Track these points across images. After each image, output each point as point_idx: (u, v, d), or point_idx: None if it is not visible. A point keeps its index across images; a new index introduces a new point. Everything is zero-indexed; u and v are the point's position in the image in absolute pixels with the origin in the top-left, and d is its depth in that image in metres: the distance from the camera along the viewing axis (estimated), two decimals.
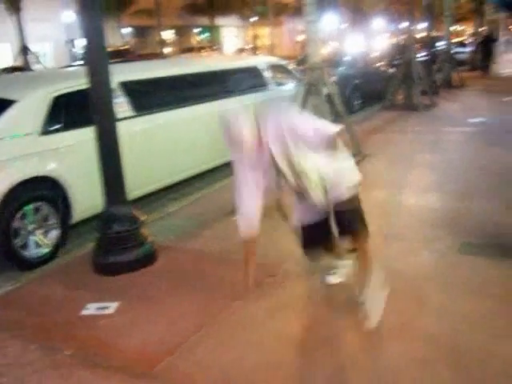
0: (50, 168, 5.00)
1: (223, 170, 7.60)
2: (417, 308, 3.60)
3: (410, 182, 6.61)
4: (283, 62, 10.18)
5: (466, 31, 49.60)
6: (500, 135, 9.07)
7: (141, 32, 37.19)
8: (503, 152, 7.65)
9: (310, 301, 3.81)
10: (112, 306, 3.79)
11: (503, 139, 8.55)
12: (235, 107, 7.91)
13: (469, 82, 18.30)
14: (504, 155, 7.44)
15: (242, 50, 38.04)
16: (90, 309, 3.78)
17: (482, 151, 8.11)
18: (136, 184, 5.79)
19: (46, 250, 4.92)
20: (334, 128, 3.26)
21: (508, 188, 5.68)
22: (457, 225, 5.01)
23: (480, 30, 27.57)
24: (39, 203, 4.87)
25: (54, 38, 30.53)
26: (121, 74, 6.01)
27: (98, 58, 4.22)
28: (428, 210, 5.53)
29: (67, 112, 5.31)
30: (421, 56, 17.53)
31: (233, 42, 44.73)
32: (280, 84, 9.35)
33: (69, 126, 5.29)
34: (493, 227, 4.90)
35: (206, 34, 43.69)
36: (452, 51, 18.69)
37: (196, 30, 43.60)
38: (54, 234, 5.00)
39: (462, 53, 25.86)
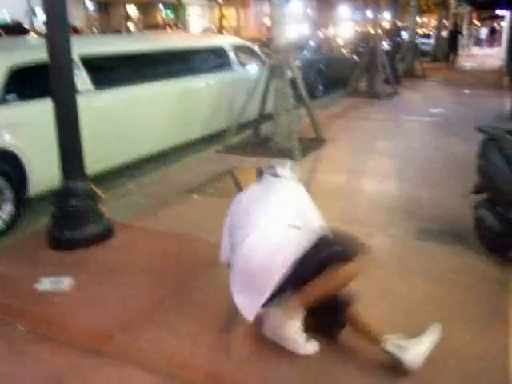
0: (5, 140, 4.87)
1: (184, 148, 7.58)
2: (370, 291, 3.67)
3: (369, 169, 6.71)
4: (249, 44, 10.13)
5: (430, 23, 50.27)
6: (459, 126, 9.27)
7: (104, 6, 36.37)
8: (461, 142, 7.83)
9: None
10: (67, 282, 3.74)
11: (461, 130, 8.73)
12: (199, 86, 7.91)
13: (431, 73, 18.61)
14: (461, 145, 7.61)
15: (207, 30, 37.66)
16: (45, 284, 3.72)
17: (440, 141, 8.29)
18: (95, 160, 5.71)
19: (0, 225, 4.81)
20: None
21: (464, 177, 5.81)
22: (413, 211, 5.13)
23: (444, 22, 28.00)
24: None
25: (14, 6, 29.53)
26: (82, 47, 5.87)
27: (58, 29, 4.10)
28: (385, 196, 5.63)
29: (25, 83, 5.17)
30: (385, 45, 17.74)
31: (198, 21, 44.20)
32: (245, 65, 9.32)
33: (27, 97, 5.15)
34: (448, 214, 5.03)
35: (171, 12, 43.03)
36: (416, 42, 18.93)
37: (161, 7, 42.89)
38: (9, 208, 4.88)
39: (426, 44, 26.28)
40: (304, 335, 2.94)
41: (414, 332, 3.15)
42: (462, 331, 3.19)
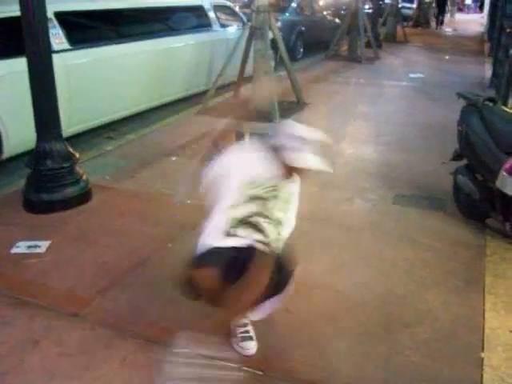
0: None
1: (163, 109, 7.47)
2: (348, 255, 3.70)
3: (349, 133, 6.69)
4: (229, 4, 9.93)
5: None
6: (438, 92, 9.27)
7: None
8: (440, 108, 7.84)
9: None
10: (43, 245, 3.69)
11: (441, 96, 8.74)
12: (178, 46, 7.75)
13: (412, 38, 18.52)
14: (441, 111, 7.62)
15: None
16: (21, 247, 3.67)
17: (420, 106, 8.29)
18: (72, 120, 5.61)
19: None
20: None
21: (441, 142, 5.84)
22: (391, 176, 5.14)
23: None
24: None
25: None
26: (57, 3, 5.68)
27: None
28: (364, 160, 5.63)
29: None
30: (367, 8, 17.56)
31: None
32: (225, 26, 9.15)
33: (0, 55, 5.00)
34: (427, 180, 5.05)
35: None
36: (398, 6, 18.74)
37: None
38: None
39: (408, 8, 26.07)
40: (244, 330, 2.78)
41: (389, 294, 3.21)
42: (437, 295, 3.24)
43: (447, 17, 31.47)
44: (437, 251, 3.78)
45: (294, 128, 2.59)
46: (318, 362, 2.66)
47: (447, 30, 24.77)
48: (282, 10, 13.09)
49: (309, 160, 2.46)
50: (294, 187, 2.69)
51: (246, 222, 2.57)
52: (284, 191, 2.62)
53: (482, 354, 2.74)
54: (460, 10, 43.50)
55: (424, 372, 2.61)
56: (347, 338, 2.85)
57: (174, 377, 2.53)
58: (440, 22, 25.35)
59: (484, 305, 3.16)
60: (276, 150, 2.54)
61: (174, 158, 5.54)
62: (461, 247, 3.84)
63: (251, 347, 2.72)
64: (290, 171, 2.58)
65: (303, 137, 2.49)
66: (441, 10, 25.50)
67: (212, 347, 2.68)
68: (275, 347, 2.76)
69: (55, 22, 5.55)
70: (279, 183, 2.59)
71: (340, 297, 3.20)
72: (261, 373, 2.57)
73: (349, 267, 3.54)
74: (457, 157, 4.38)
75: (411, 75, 11.08)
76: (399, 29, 18.09)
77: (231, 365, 2.61)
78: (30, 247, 3.67)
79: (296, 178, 2.65)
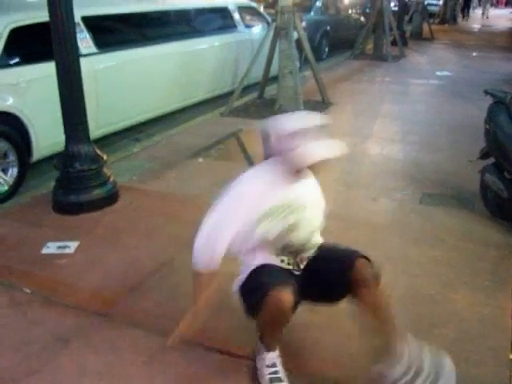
0: (9, 103, 4.83)
1: (189, 111, 7.53)
2: (374, 255, 3.67)
3: (374, 132, 6.66)
4: (253, 4, 9.96)
5: None
6: (466, 89, 9.16)
7: None
8: (468, 106, 7.75)
9: None
10: (72, 246, 3.76)
11: (469, 93, 8.64)
12: (204, 48, 7.80)
13: (439, 35, 18.30)
14: (468, 109, 7.53)
15: None
16: (51, 248, 3.75)
17: (446, 104, 8.20)
18: (99, 123, 5.69)
19: (4, 188, 4.81)
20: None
21: (470, 141, 5.77)
22: (418, 175, 5.10)
23: None
24: None
25: None
26: (84, 7, 5.77)
27: None
28: (391, 159, 5.60)
29: (27, 45, 5.11)
30: (392, 6, 17.40)
31: None
32: (250, 26, 9.18)
33: (29, 59, 5.09)
34: (454, 179, 5.00)
35: None
36: (424, 3, 18.56)
37: None
38: (14, 171, 4.87)
39: (435, 5, 25.78)
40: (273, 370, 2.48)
41: (416, 294, 3.18)
42: (465, 295, 3.21)
43: (479, 14, 31.11)
44: (464, 251, 3.74)
45: (284, 124, 2.34)
46: (342, 361, 2.66)
47: (475, 25, 24.41)
48: (307, 9, 13.07)
49: (315, 152, 2.26)
50: (307, 187, 2.52)
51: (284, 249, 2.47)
52: (298, 198, 2.43)
53: (511, 356, 2.71)
54: (492, 4, 42.79)
55: None
56: (373, 338, 2.84)
57: None
58: (465, 16, 25.31)
59: None
60: (278, 160, 2.35)
61: (200, 160, 5.58)
62: (489, 247, 3.79)
63: None
64: (300, 172, 2.38)
65: (299, 129, 2.27)
66: (467, 3, 25.45)
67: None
68: (299, 348, 2.77)
69: (82, 26, 5.64)
70: (291, 197, 2.39)
71: None
72: (285, 372, 2.58)
73: None
74: (484, 155, 4.33)
75: (438, 73, 10.97)
76: (425, 26, 17.91)
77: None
78: (59, 248, 3.74)
79: (307, 174, 2.44)
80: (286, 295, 2.20)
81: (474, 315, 3.03)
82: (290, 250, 2.49)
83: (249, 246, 2.45)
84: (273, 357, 2.48)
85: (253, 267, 2.42)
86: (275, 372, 2.46)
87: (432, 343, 2.77)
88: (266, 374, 2.46)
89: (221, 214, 2.39)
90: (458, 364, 2.62)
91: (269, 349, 2.48)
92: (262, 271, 2.39)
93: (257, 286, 2.31)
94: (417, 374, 2.29)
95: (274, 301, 2.19)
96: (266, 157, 2.46)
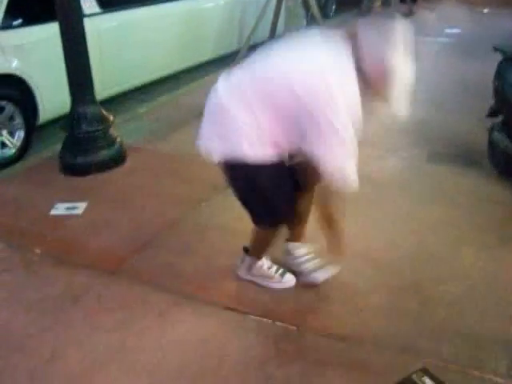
0: (14, 65, 4.80)
1: (195, 71, 7.46)
2: (380, 214, 3.69)
3: None
4: None
5: None
6: (476, 46, 8.98)
7: None
8: (478, 64, 7.61)
9: None
10: (81, 206, 3.80)
11: (478, 51, 8.47)
12: (209, 6, 7.68)
13: None
14: (478, 66, 7.40)
15: None
16: (59, 209, 3.78)
17: (455, 62, 8.07)
18: (105, 84, 5.66)
19: (12, 151, 4.82)
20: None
21: (479, 100, 5.70)
22: (426, 134, 5.07)
23: None
24: (3, 102, 4.70)
25: None
26: None
27: None
28: (398, 118, 5.54)
29: (31, 6, 5.04)
30: None
31: None
32: None
33: (33, 20, 5.04)
34: (462, 138, 4.97)
35: None
36: None
37: None
38: (21, 134, 4.88)
39: None
40: (275, 268, 2.90)
41: (422, 252, 3.21)
42: (470, 253, 3.22)
43: None
44: (470, 209, 3.74)
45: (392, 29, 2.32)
46: (349, 318, 2.70)
47: None
48: None
49: (397, 102, 2.40)
50: None
51: None
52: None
53: None
54: None
55: (455, 328, 2.62)
56: (378, 294, 2.88)
57: None
58: None
59: None
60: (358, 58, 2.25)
61: None
62: (495, 205, 3.79)
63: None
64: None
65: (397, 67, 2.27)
66: None
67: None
68: (308, 304, 2.82)
69: None
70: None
71: (372, 254, 3.21)
72: (294, 328, 2.63)
73: (381, 225, 3.55)
74: (493, 113, 4.28)
75: (447, 30, 10.76)
76: None
77: (265, 320, 2.67)
78: (68, 209, 3.78)
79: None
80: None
81: (478, 272, 3.05)
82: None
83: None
84: (266, 261, 2.89)
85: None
86: (277, 269, 2.90)
87: (436, 299, 2.82)
88: (274, 273, 2.88)
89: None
90: (462, 319, 2.67)
91: (260, 257, 2.86)
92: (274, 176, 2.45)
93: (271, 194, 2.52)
94: (312, 258, 2.88)
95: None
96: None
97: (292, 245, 2.96)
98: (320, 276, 2.85)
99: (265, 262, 2.89)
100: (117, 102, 6.13)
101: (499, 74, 4.07)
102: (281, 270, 2.91)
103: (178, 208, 3.77)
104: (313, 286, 2.87)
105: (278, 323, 2.65)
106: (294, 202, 2.59)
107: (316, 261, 2.89)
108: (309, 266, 2.89)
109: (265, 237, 2.75)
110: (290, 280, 2.91)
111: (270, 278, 2.89)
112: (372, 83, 2.32)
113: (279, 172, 2.45)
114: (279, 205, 2.55)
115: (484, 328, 2.62)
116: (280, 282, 2.89)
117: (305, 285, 2.88)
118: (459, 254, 3.22)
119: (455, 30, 10.75)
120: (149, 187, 4.11)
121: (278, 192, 2.51)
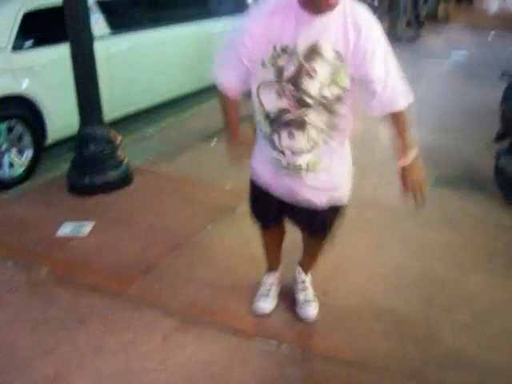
0: (23, 86, 4.85)
1: (201, 94, 7.50)
2: (387, 238, 3.68)
3: None
4: None
5: None
6: (482, 71, 9.03)
7: None
8: (484, 87, 7.64)
9: None
10: (87, 227, 3.80)
11: (485, 75, 8.51)
12: (217, 30, 7.74)
13: (455, 16, 18.02)
14: (484, 91, 7.43)
15: None
16: (66, 229, 3.79)
17: (462, 86, 8.10)
18: (113, 106, 5.70)
19: (20, 170, 4.85)
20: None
21: (486, 124, 5.71)
22: (432, 158, 5.05)
23: None
24: (13, 122, 4.75)
25: None
26: None
27: None
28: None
29: (41, 28, 5.11)
30: None
31: None
32: None
33: (43, 42, 5.10)
34: (469, 162, 4.97)
35: None
36: None
37: None
38: (29, 153, 4.91)
39: None
40: (265, 288, 2.94)
41: (428, 277, 3.19)
42: (477, 279, 3.21)
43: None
44: (477, 234, 3.73)
45: None
46: (355, 343, 2.68)
47: (491, 6, 23.98)
48: None
49: None
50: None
51: None
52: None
53: None
54: None
55: (461, 355, 2.60)
56: (385, 320, 2.86)
57: None
58: None
59: None
60: None
61: (212, 143, 5.59)
62: (501, 231, 3.78)
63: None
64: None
65: None
66: None
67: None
68: (314, 328, 2.80)
69: (95, 8, 5.62)
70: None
71: (378, 279, 3.20)
72: (300, 352, 2.61)
73: (388, 249, 3.54)
74: (499, 138, 4.29)
75: (454, 54, 10.82)
76: (441, 7, 17.62)
77: (270, 343, 2.65)
78: (74, 229, 3.78)
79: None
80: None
81: (486, 299, 3.03)
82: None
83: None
84: (268, 275, 2.95)
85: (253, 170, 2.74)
86: (266, 289, 2.92)
87: (443, 326, 2.80)
88: (259, 291, 2.93)
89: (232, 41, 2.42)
90: (469, 347, 2.64)
91: (267, 267, 2.96)
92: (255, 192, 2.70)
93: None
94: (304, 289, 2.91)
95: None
96: None
97: (298, 269, 2.96)
98: (311, 314, 2.85)
99: (266, 276, 2.96)
100: (124, 122, 6.17)
101: (505, 99, 4.09)
102: (265, 294, 2.91)
103: (184, 230, 3.77)
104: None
105: (283, 347, 2.64)
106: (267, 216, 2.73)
107: (309, 292, 2.91)
108: (302, 295, 2.89)
109: (261, 237, 2.85)
110: (259, 308, 2.88)
111: (257, 293, 2.94)
112: None
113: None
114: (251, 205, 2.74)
115: (490, 356, 2.60)
116: (253, 303, 2.91)
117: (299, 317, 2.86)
118: (466, 279, 3.21)
119: (461, 54, 10.81)
120: (155, 209, 4.12)
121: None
